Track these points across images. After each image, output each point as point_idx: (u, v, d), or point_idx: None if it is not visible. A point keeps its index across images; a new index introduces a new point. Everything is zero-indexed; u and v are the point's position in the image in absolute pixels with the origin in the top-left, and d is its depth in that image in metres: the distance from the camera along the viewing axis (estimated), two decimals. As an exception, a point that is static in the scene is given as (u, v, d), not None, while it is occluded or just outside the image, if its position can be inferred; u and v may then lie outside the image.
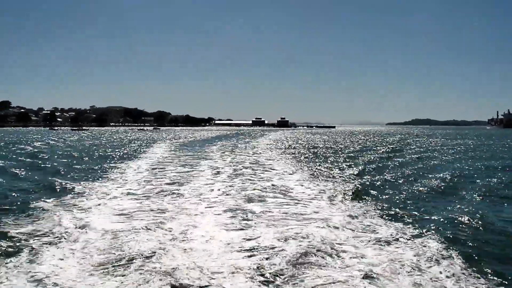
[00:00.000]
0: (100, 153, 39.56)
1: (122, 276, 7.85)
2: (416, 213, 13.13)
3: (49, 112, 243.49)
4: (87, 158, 33.77)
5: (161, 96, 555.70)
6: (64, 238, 10.13)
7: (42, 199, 14.98)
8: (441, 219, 12.16)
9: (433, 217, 12.42)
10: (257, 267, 8.26)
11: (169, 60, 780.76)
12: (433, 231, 10.72)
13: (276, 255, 8.92)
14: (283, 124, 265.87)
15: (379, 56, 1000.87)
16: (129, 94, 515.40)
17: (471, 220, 11.84)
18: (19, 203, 14.26)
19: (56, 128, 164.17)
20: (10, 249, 9.26)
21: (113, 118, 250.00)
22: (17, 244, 9.65)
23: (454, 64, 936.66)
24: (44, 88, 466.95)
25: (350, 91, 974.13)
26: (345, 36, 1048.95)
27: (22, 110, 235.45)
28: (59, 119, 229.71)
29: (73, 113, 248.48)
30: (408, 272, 8.00)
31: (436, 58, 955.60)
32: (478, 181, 20.37)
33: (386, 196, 16.06)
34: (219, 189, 17.55)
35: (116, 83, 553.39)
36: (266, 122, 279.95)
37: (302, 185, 18.78)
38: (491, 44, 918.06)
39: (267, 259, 8.76)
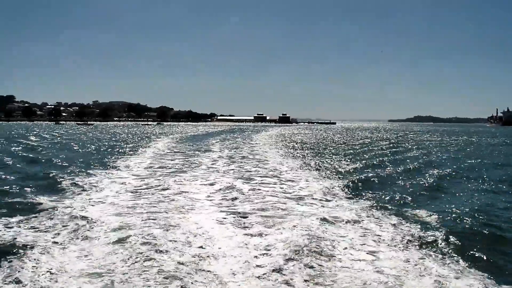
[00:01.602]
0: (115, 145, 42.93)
1: (130, 264, 8.12)
2: (413, 206, 13.36)
3: (53, 106, 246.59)
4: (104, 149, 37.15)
5: (163, 91, 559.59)
6: (72, 231, 10.33)
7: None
8: (441, 213, 12.26)
9: (431, 211, 12.57)
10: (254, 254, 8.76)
11: (171, 56, 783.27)
12: (431, 225, 10.96)
13: (271, 246, 9.21)
14: (284, 120, 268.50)
15: (380, 51, 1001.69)
16: (131, 89, 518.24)
17: (472, 214, 12.14)
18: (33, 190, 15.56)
19: (62, 122, 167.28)
20: (15, 244, 9.17)
21: (116, 113, 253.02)
22: (23, 237, 9.68)
23: (455, 61, 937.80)
24: (46, 83, 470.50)
25: (352, 87, 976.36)
26: (348, 32, 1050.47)
27: (27, 105, 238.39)
28: (64, 114, 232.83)
29: (77, 108, 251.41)
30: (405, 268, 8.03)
31: (438, 54, 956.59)
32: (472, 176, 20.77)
33: (383, 190, 16.35)
34: (219, 174, 20.25)
35: (118, 79, 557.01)
36: (268, 118, 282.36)
37: (290, 172, 21.51)
38: (496, 38, 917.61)
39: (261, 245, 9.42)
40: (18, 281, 7.16)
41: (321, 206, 13.49)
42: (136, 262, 8.10)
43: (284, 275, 7.61)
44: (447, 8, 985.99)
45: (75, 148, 39.00)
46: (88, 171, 21.06)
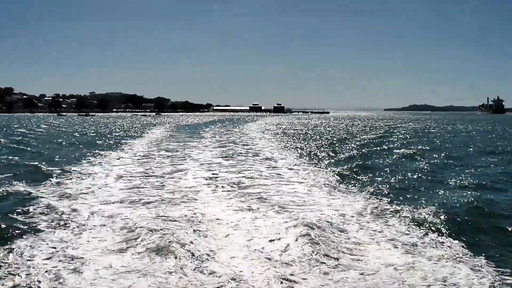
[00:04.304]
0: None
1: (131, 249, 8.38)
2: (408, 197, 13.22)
3: (51, 98, 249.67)
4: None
5: (159, 82, 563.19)
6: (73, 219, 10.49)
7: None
8: (437, 203, 12.05)
9: (428, 202, 12.38)
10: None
11: (166, 46, 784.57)
12: (429, 215, 10.70)
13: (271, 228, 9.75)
14: (279, 110, 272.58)
15: (376, 41, 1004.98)
16: (127, 80, 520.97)
17: (468, 203, 12.04)
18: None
19: (63, 114, 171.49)
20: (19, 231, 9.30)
21: (114, 104, 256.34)
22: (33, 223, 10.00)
23: (452, 49, 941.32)
24: (42, 74, 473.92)
25: (347, 76, 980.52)
26: (342, 21, 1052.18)
27: (25, 97, 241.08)
28: (63, 105, 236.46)
29: (74, 99, 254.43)
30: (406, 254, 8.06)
31: (434, 42, 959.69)
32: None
33: (377, 179, 16.28)
34: (213, 157, 24.19)
35: (113, 70, 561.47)
36: (263, 108, 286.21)
37: (274, 154, 25.90)
38: (492, 27, 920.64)
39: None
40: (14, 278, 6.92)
41: (320, 197, 13.37)
42: (139, 250, 8.23)
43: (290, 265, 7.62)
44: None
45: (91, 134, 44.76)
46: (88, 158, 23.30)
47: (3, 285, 6.73)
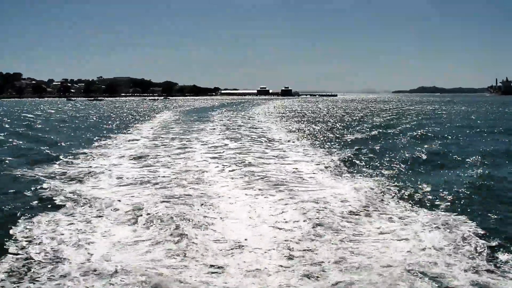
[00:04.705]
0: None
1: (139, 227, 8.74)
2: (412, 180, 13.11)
3: (60, 83, 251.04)
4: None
5: (167, 66, 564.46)
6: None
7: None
8: (436, 181, 12.52)
9: (431, 185, 12.23)
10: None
11: (174, 31, 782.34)
12: (436, 198, 10.80)
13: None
14: (286, 93, 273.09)
15: (384, 23, 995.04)
16: (135, 65, 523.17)
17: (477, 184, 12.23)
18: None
19: (73, 99, 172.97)
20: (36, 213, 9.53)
21: (122, 88, 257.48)
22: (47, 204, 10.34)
23: (461, 30, 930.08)
24: (50, 59, 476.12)
25: (355, 59, 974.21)
26: (350, 5, 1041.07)
27: (34, 82, 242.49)
28: (72, 90, 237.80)
29: (82, 84, 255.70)
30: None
31: (443, 23, 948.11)
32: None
33: (382, 163, 16.20)
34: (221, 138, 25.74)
35: (122, 54, 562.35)
36: (270, 91, 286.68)
37: (279, 135, 27.34)
38: (500, 7, 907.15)
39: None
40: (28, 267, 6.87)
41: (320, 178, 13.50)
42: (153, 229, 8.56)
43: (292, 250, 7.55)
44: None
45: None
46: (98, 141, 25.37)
47: (29, 252, 7.36)
